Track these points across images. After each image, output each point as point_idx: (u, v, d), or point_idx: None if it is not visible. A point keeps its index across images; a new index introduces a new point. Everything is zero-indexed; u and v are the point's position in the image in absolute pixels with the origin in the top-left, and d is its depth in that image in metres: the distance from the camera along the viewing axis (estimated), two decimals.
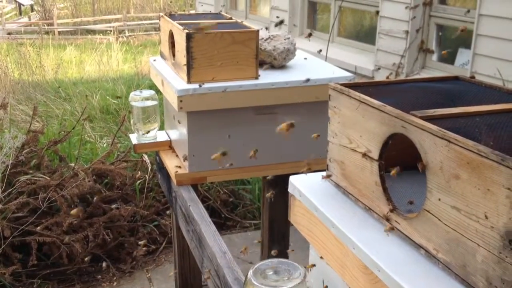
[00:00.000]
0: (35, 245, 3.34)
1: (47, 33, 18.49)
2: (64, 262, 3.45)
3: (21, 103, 6.61)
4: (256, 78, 2.23)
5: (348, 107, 1.27)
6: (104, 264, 3.52)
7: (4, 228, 3.30)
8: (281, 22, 2.81)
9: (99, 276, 3.61)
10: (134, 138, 2.62)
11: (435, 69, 4.48)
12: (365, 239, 1.15)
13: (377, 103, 1.16)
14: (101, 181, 3.92)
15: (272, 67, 2.39)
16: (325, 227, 1.27)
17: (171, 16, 2.48)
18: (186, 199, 2.23)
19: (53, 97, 6.98)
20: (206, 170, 2.29)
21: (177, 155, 2.49)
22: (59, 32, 20.01)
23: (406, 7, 4.47)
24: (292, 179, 1.44)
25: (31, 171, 3.73)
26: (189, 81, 2.16)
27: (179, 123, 2.34)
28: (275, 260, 1.25)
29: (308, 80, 2.22)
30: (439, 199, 1.00)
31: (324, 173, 1.42)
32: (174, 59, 2.33)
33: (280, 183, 2.30)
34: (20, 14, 25.57)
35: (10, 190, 3.51)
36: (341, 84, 1.31)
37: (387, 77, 3.00)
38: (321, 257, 1.34)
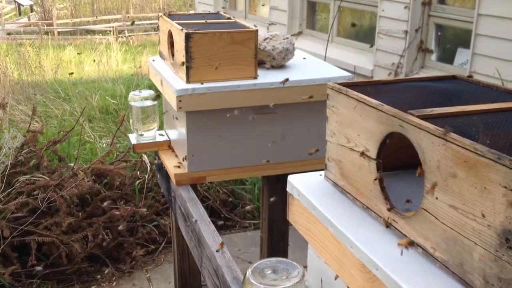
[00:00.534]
0: (34, 245, 3.34)
1: (46, 33, 18.45)
2: (64, 262, 3.45)
3: (21, 103, 6.61)
4: (255, 78, 2.24)
5: (346, 106, 1.27)
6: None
7: (4, 228, 3.30)
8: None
9: (99, 276, 3.61)
10: (133, 138, 2.63)
11: (434, 69, 4.48)
12: (363, 238, 1.15)
13: (374, 102, 1.17)
14: (100, 181, 3.93)
15: (272, 66, 2.39)
16: (323, 226, 1.27)
17: (170, 16, 2.49)
18: (186, 199, 2.23)
19: (52, 97, 6.98)
20: (205, 170, 2.30)
21: (176, 155, 2.49)
22: (59, 33, 19.98)
23: (405, 7, 4.48)
24: (291, 178, 1.44)
25: (30, 171, 3.73)
26: (188, 81, 2.16)
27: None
28: (274, 259, 1.25)
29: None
30: (437, 198, 1.00)
31: (322, 172, 1.43)
32: (173, 59, 2.33)
33: (280, 183, 2.31)
34: (20, 14, 25.54)
35: (9, 190, 3.51)
36: (339, 84, 1.32)
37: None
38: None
